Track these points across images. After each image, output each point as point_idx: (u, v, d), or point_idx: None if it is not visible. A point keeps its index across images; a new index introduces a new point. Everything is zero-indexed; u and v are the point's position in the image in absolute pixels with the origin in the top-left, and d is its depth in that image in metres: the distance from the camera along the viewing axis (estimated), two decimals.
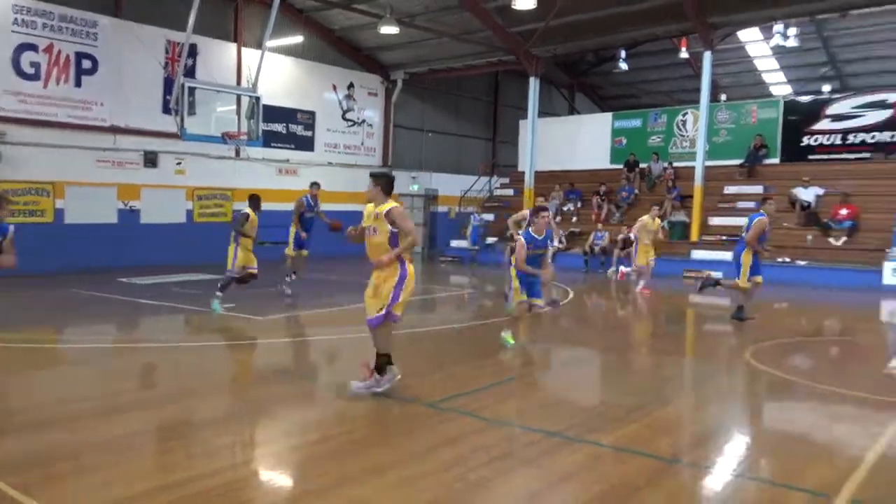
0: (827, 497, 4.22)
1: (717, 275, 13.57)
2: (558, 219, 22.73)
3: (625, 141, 24.89)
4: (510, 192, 26.07)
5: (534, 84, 22.89)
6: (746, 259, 10.85)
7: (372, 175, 6.37)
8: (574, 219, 23.09)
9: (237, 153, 19.99)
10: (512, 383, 7.27)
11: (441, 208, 26.10)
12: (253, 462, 4.92)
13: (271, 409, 6.12)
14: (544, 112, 25.69)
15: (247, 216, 11.05)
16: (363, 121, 24.27)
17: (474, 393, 6.57)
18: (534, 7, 17.81)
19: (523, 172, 23.99)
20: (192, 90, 13.65)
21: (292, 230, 13.03)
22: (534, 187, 23.27)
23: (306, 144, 22.45)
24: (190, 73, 17.57)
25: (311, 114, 22.50)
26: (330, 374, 7.97)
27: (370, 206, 6.34)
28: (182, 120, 13.55)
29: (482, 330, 10.48)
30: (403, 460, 4.78)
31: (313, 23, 22.00)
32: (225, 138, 14.70)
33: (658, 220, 15.51)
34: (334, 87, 23.25)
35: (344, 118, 23.67)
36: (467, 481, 4.44)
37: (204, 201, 19.62)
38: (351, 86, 23.76)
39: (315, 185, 13.18)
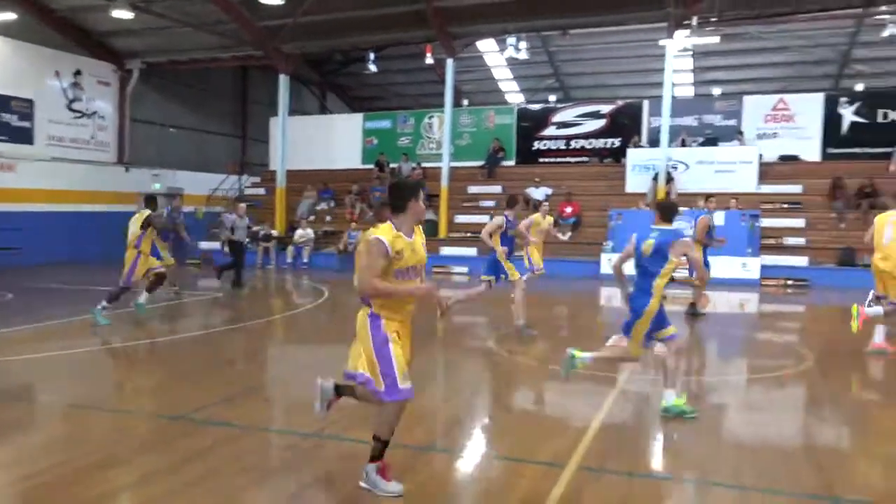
0: (560, 466, 4.67)
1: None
2: (312, 218, 22.62)
3: (375, 141, 25.47)
4: (261, 191, 25.39)
5: (284, 81, 22.52)
6: (697, 256, 11.38)
7: (422, 186, 4.47)
8: (328, 218, 23.11)
9: None
10: (267, 388, 7.09)
11: (186, 208, 24.60)
12: None
13: None
14: (295, 110, 25.39)
15: (152, 219, 10.40)
16: (94, 112, 22.08)
17: (225, 401, 6.29)
18: (281, 2, 17.52)
19: (275, 171, 23.51)
20: None
21: (162, 245, 12.41)
22: (286, 186, 22.90)
23: (24, 136, 19.86)
24: None
25: (29, 102, 19.97)
26: (54, 394, 7.13)
27: (418, 235, 4.34)
28: None
29: (233, 334, 10.08)
30: (148, 479, 4.43)
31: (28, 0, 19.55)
32: None
33: (550, 217, 13.47)
34: (57, 74, 20.87)
35: (70, 109, 21.34)
36: (221, 493, 4.24)
37: None
38: (78, 73, 21.50)
39: (178, 196, 12.75)
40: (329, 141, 25.57)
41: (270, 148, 25.55)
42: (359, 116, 26.78)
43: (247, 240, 16.23)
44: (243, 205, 17.41)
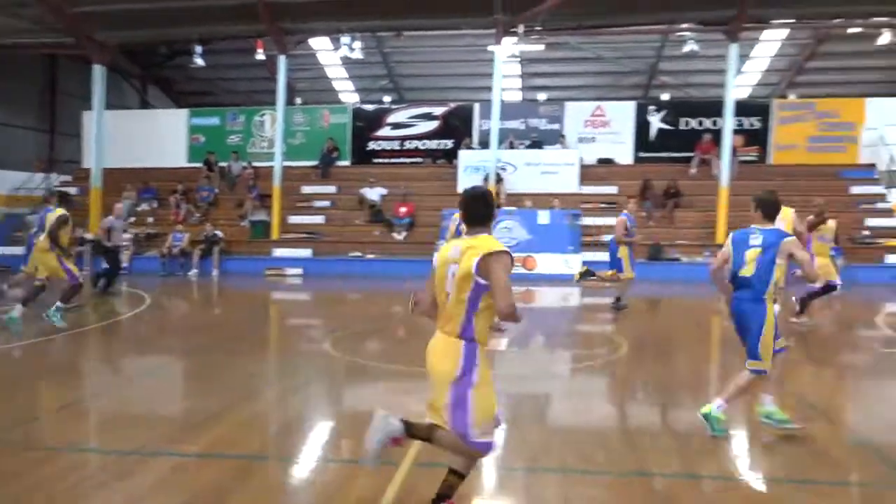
0: (395, 465, 4.69)
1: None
2: (132, 219, 21.19)
3: (203, 139, 24.37)
4: (74, 190, 23.35)
5: (99, 72, 20.94)
6: (623, 253, 11.78)
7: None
8: (150, 219, 21.76)
9: None
10: (83, 404, 6.55)
11: None
12: None
13: None
14: (113, 104, 23.63)
15: (66, 218, 9.82)
16: None
17: (35, 420, 5.74)
18: None
19: (89, 169, 21.79)
20: None
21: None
22: (102, 186, 21.31)
23: None
24: None
25: None
26: None
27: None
28: None
29: (42, 348, 9.20)
30: None
31: None
32: None
33: None
34: None
35: None
36: None
37: None
38: None
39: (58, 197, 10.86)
40: (151, 137, 24.11)
41: (84, 144, 23.65)
42: (184, 112, 25.46)
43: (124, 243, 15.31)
44: (120, 205, 16.17)
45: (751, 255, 5.34)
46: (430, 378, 3.86)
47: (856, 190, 20.44)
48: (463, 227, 3.88)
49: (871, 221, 19.03)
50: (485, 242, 3.72)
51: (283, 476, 4.75)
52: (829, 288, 10.46)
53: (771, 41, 23.47)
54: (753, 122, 22.28)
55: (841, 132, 21.80)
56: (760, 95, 25.92)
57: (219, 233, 19.61)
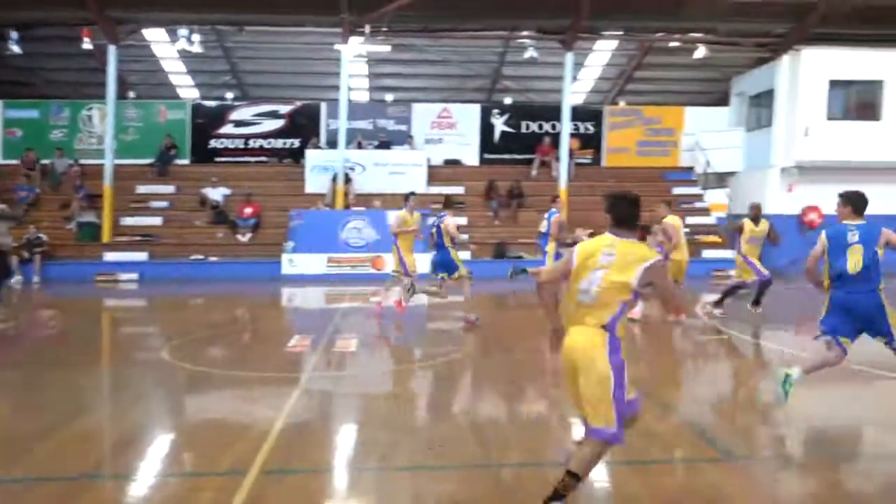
0: (242, 473, 4.54)
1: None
2: None
3: (20, 133, 22.32)
4: None
5: None
6: (551, 249, 11.69)
7: None
8: None
9: None
10: None
11: None
12: None
13: None
14: None
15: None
16: None
17: None
18: None
19: None
20: None
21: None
22: None
23: None
24: None
25: None
26: None
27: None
28: None
29: None
30: None
31: None
32: None
33: (417, 214, 11.75)
34: None
35: None
36: None
37: None
38: None
39: None
40: None
41: None
42: None
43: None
44: (3, 206, 14.24)
45: (855, 251, 5.47)
46: (574, 371, 3.88)
47: (678, 191, 22.23)
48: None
49: (691, 220, 20.78)
50: (639, 252, 3.87)
51: (119, 494, 4.45)
52: (765, 284, 11.19)
53: (603, 51, 24.98)
54: (588, 127, 23.65)
55: (664, 137, 23.70)
56: (594, 102, 27.52)
57: (43, 236, 18.03)
